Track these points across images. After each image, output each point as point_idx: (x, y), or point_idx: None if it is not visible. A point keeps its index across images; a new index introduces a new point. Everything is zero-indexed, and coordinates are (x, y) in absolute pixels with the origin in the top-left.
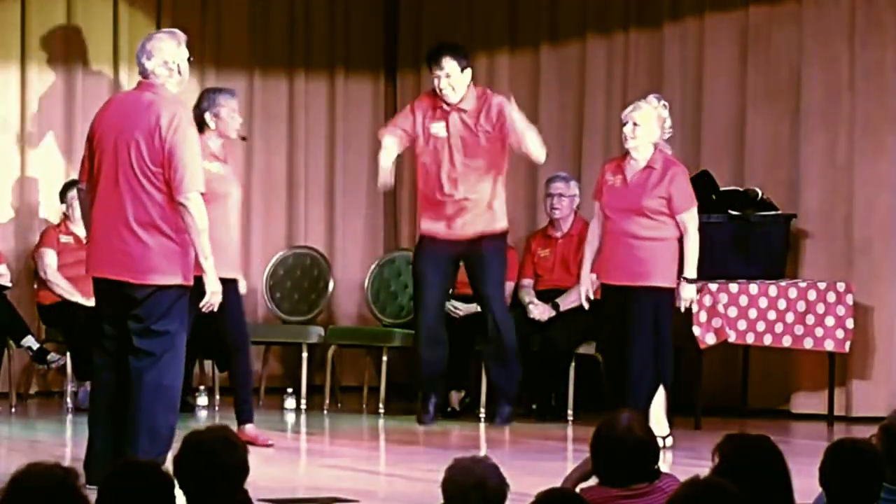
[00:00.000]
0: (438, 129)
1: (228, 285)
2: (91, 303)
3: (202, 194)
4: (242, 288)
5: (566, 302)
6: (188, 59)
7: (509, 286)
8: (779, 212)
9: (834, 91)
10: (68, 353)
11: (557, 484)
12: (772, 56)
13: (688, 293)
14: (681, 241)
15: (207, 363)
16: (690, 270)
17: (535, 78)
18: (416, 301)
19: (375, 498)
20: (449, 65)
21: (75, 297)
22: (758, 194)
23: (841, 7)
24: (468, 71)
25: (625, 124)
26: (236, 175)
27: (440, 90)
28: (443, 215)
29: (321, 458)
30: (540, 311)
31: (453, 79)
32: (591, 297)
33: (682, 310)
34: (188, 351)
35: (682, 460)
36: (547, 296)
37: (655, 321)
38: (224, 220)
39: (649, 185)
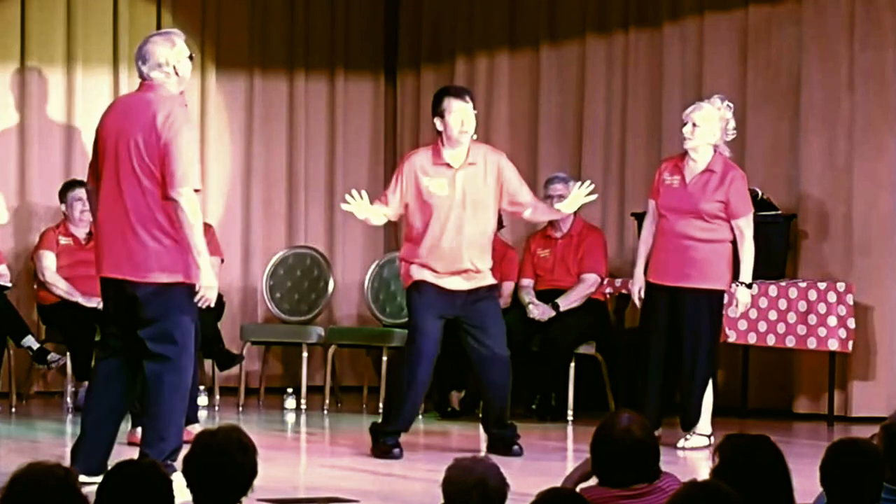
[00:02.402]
0: (439, 186)
1: None
2: (91, 303)
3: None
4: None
5: (566, 302)
6: (189, 57)
7: (509, 286)
8: (779, 212)
9: (834, 91)
10: (68, 353)
11: (557, 484)
12: (772, 56)
13: (744, 298)
14: (734, 244)
15: (207, 363)
16: (746, 275)
17: (535, 78)
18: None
19: (375, 498)
20: (471, 103)
21: (75, 297)
22: (758, 194)
23: (841, 7)
24: None
25: (685, 124)
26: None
27: (461, 125)
28: (444, 272)
29: (321, 458)
30: (540, 312)
31: (472, 119)
32: (643, 295)
33: (738, 315)
34: None
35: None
36: (546, 296)
37: (711, 325)
38: None
39: (709, 189)
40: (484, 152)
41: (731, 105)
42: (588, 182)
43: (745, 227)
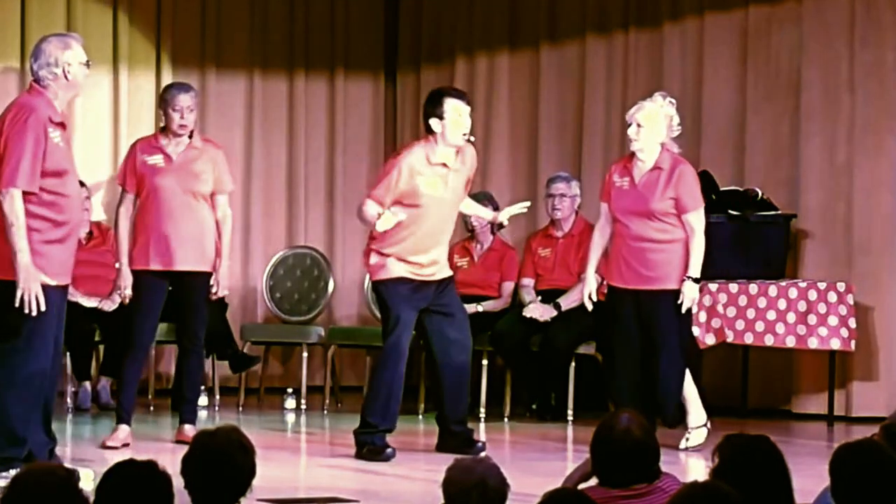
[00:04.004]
0: (433, 186)
1: (185, 279)
2: (91, 303)
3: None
4: (222, 282)
5: (567, 302)
6: (86, 64)
7: (509, 286)
8: (779, 212)
9: (834, 91)
10: (68, 353)
11: (557, 484)
12: (772, 56)
13: (691, 293)
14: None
15: (207, 363)
16: (694, 270)
17: (535, 78)
18: (392, 335)
19: (375, 498)
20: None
21: (75, 297)
22: (758, 194)
23: (841, 7)
24: None
25: (629, 126)
26: (191, 170)
27: (462, 130)
28: (417, 267)
29: (321, 458)
30: (541, 312)
31: (469, 122)
32: (595, 298)
33: (683, 310)
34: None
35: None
36: (547, 295)
37: (679, 322)
38: (156, 211)
39: (658, 188)
40: (468, 153)
41: (674, 101)
42: (528, 203)
43: (695, 221)
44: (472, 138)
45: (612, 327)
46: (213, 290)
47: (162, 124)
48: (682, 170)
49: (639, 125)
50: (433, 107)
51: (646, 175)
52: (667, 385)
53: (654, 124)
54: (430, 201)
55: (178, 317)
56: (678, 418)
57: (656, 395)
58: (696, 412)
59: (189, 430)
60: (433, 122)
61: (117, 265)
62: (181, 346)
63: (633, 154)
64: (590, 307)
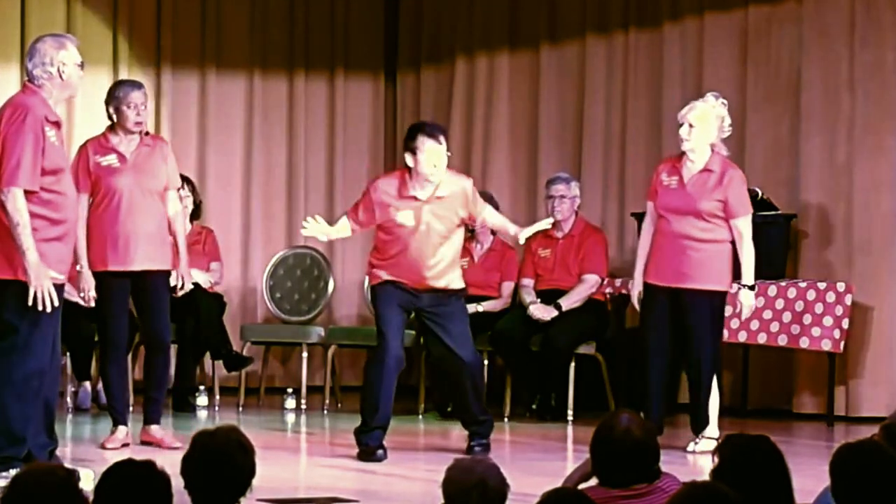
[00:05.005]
0: (406, 218)
1: (144, 278)
2: (90, 303)
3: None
4: (178, 278)
5: (568, 302)
6: (80, 66)
7: (509, 286)
8: (779, 212)
9: (834, 91)
10: (68, 354)
11: (557, 484)
12: (772, 56)
13: (748, 300)
14: (734, 244)
15: (207, 363)
16: (748, 277)
17: (535, 78)
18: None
19: (375, 498)
20: (445, 143)
21: (74, 297)
22: (758, 194)
23: (841, 7)
24: None
25: (681, 125)
26: (147, 169)
27: (433, 166)
28: (408, 279)
29: (321, 458)
30: (542, 312)
31: (444, 160)
32: (643, 297)
33: (744, 318)
34: (189, 350)
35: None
36: (547, 296)
37: (712, 326)
38: (115, 212)
39: (707, 189)
40: (451, 182)
41: (726, 102)
42: (550, 220)
43: (744, 227)
44: (470, 179)
45: (643, 324)
46: (179, 285)
47: (110, 122)
48: (733, 174)
49: (691, 125)
50: (408, 141)
51: (695, 176)
52: (705, 389)
53: (705, 124)
54: (403, 232)
55: (141, 317)
56: (706, 422)
57: (693, 399)
58: (712, 423)
59: (155, 431)
60: (407, 156)
61: (78, 268)
62: (147, 347)
63: (681, 154)
64: (638, 307)
